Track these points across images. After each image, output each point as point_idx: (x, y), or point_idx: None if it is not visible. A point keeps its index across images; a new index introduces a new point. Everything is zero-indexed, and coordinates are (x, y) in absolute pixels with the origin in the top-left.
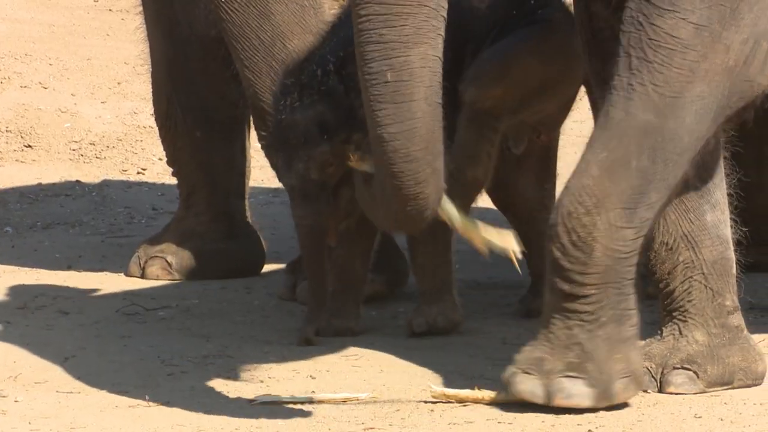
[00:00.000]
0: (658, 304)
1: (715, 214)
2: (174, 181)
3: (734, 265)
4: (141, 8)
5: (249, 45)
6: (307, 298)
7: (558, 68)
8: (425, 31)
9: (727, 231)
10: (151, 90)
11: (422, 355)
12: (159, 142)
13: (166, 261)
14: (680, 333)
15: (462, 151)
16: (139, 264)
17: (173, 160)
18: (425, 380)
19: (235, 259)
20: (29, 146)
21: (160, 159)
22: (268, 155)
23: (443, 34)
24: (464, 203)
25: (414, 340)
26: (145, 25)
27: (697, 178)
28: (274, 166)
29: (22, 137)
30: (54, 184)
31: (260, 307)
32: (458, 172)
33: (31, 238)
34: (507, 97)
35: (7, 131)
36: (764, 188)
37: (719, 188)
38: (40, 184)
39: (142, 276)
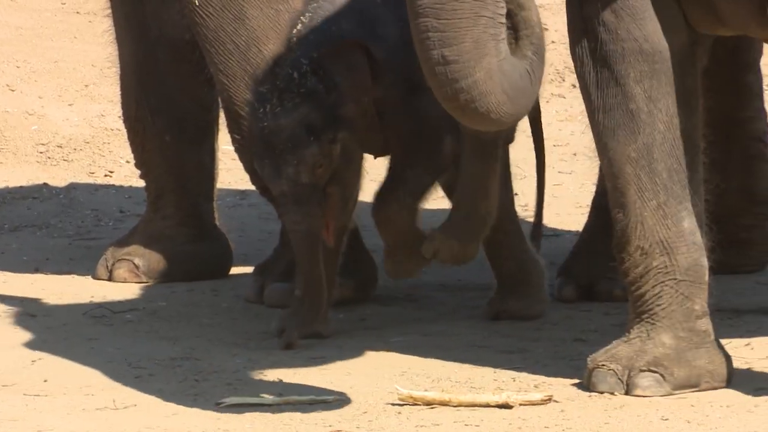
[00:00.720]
0: (627, 306)
1: (692, 220)
2: (141, 183)
3: (707, 271)
4: (110, 11)
5: (224, 49)
6: (304, 303)
7: None
8: (485, 41)
9: (701, 237)
10: (119, 92)
11: (389, 357)
12: (126, 144)
13: (134, 263)
14: (648, 336)
15: (471, 184)
16: (107, 266)
17: (141, 162)
18: (392, 383)
19: (202, 261)
20: None
21: (128, 161)
22: (243, 160)
23: (504, 39)
24: (479, 238)
25: (381, 343)
26: (114, 28)
27: (678, 183)
28: (249, 170)
29: None
30: (21, 186)
31: (228, 310)
32: (470, 206)
33: None
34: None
35: None
36: (728, 190)
37: (698, 194)
38: (7, 187)
39: (110, 279)
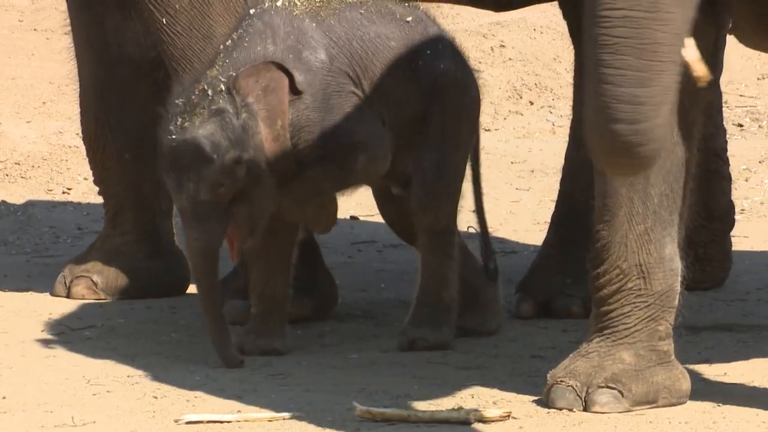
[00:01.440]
0: (585, 322)
1: (674, 246)
2: (99, 200)
3: (678, 296)
4: (69, 28)
5: (191, 68)
6: (209, 324)
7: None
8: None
9: (679, 263)
10: (77, 110)
11: (348, 374)
12: (84, 161)
13: (92, 280)
14: (607, 352)
15: (431, 276)
16: (65, 284)
17: (101, 179)
18: (351, 399)
19: (160, 278)
20: None
21: (86, 179)
22: (161, 177)
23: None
24: (449, 323)
25: (340, 359)
26: (73, 45)
27: (666, 209)
28: (166, 187)
29: None
30: None
31: (186, 327)
32: (434, 297)
33: None
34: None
35: None
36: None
37: (683, 220)
38: None
39: (68, 296)
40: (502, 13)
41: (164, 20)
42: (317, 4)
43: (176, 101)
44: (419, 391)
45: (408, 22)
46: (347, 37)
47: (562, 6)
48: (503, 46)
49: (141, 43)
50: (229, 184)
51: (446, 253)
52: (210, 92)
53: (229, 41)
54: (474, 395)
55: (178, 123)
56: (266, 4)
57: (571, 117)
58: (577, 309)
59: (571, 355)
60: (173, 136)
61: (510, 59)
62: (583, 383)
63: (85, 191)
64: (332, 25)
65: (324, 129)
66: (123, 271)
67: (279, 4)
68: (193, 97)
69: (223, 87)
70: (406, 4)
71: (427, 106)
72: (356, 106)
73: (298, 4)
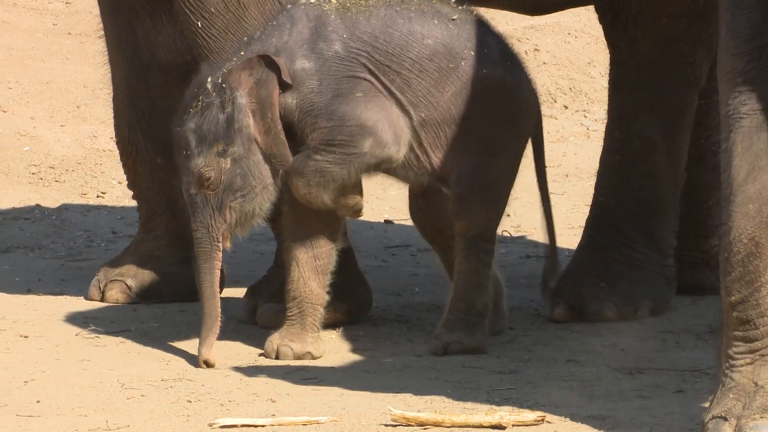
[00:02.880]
0: (620, 326)
1: None
2: (133, 204)
3: None
4: (102, 32)
5: None
6: (203, 313)
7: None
8: None
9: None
10: (111, 114)
11: (382, 378)
12: (118, 165)
13: (126, 284)
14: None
15: (465, 280)
16: (99, 287)
17: (133, 184)
18: (385, 403)
19: (193, 282)
20: None
21: (120, 182)
22: None
23: None
24: (480, 329)
25: (374, 364)
26: (107, 50)
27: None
28: None
29: None
30: (13, 207)
31: (220, 330)
32: (467, 302)
33: None
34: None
35: None
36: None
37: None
38: None
39: (102, 299)
40: (536, 17)
41: (199, 24)
42: (352, 1)
43: (185, 98)
44: (453, 395)
45: (453, 20)
46: (372, 33)
47: (598, 10)
48: (537, 50)
49: (172, 48)
50: (215, 176)
51: (481, 259)
52: (209, 86)
53: (256, 34)
54: (508, 399)
55: (182, 115)
56: (302, 0)
57: (606, 120)
58: (611, 313)
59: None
60: (177, 128)
61: (544, 63)
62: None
63: (119, 195)
64: (358, 21)
65: (330, 113)
66: (157, 275)
67: (313, 0)
68: (196, 90)
69: (214, 80)
70: (459, 6)
71: (468, 110)
72: (367, 92)
73: (333, 0)
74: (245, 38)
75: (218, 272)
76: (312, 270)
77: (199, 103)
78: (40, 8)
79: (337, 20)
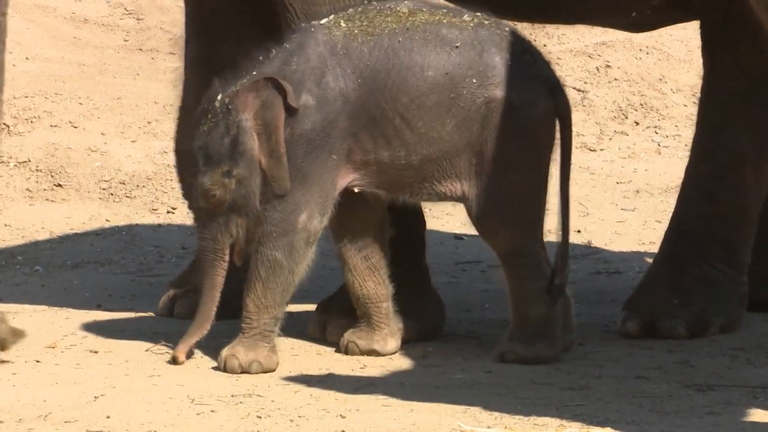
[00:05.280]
0: (690, 344)
1: None
2: None
3: None
4: (183, 51)
5: None
6: (197, 316)
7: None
8: None
9: None
10: None
11: (452, 394)
12: None
13: (195, 300)
14: None
15: (512, 295)
16: (169, 303)
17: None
18: (455, 419)
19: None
20: (59, 185)
21: None
22: None
23: None
24: (537, 340)
25: (444, 380)
26: (184, 70)
27: None
28: None
29: (52, 176)
30: (84, 223)
31: (289, 346)
32: (522, 314)
33: (61, 277)
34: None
35: (37, 170)
36: None
37: None
38: (69, 224)
39: (172, 315)
40: (608, 33)
41: None
42: (361, 26)
43: (199, 108)
44: (523, 411)
45: (457, 48)
46: (374, 68)
47: (704, 22)
48: (609, 66)
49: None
50: (219, 194)
51: (520, 274)
52: (217, 104)
53: (271, 54)
54: (578, 415)
55: (194, 131)
56: (312, 21)
57: (695, 132)
58: (683, 330)
59: None
60: (189, 142)
61: (615, 79)
62: None
63: (190, 211)
64: (363, 54)
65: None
66: (226, 290)
67: (324, 22)
68: (209, 106)
69: (222, 101)
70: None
71: (472, 136)
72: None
73: (342, 23)
74: (261, 57)
75: (221, 280)
76: (366, 270)
77: (208, 121)
78: (111, 24)
79: (343, 51)
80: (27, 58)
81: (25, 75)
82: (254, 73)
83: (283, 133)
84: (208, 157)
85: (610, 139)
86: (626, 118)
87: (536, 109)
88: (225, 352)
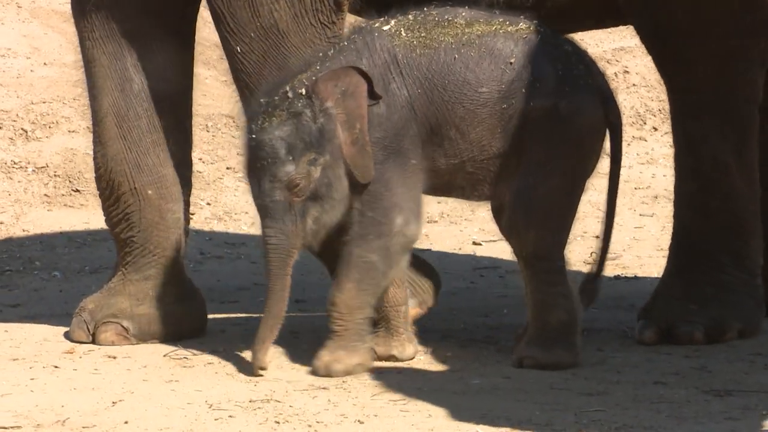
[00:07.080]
0: (707, 349)
1: None
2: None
3: None
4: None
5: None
6: (265, 320)
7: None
8: None
9: None
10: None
11: (470, 399)
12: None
13: (122, 326)
14: None
15: (533, 300)
16: (87, 329)
17: (116, 219)
18: (473, 425)
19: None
20: (77, 191)
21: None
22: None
23: None
24: (556, 344)
25: (462, 385)
26: (87, 79)
27: None
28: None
29: (70, 182)
30: (102, 228)
31: (307, 352)
32: (541, 320)
33: (79, 282)
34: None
35: (55, 176)
36: None
37: None
38: (87, 229)
39: (93, 341)
40: (626, 38)
41: (238, 48)
42: (419, 37)
43: (257, 105)
44: (541, 416)
45: (511, 64)
46: (432, 82)
47: (644, 40)
48: (627, 71)
49: (164, 77)
50: (303, 185)
51: (542, 279)
52: (291, 95)
53: (330, 51)
54: (596, 421)
55: (258, 124)
56: (375, 24)
57: (674, 150)
58: (700, 335)
59: None
60: (253, 136)
61: (634, 85)
62: None
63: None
64: (421, 66)
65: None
66: (155, 314)
67: (386, 28)
68: (276, 98)
69: (303, 90)
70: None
71: (515, 141)
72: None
73: (403, 33)
74: (323, 53)
75: (289, 279)
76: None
77: (283, 111)
78: None
79: (404, 61)
80: (45, 64)
81: (43, 80)
82: (317, 68)
83: (367, 121)
84: (291, 145)
85: (629, 144)
86: (645, 123)
87: (583, 119)
88: (326, 357)
